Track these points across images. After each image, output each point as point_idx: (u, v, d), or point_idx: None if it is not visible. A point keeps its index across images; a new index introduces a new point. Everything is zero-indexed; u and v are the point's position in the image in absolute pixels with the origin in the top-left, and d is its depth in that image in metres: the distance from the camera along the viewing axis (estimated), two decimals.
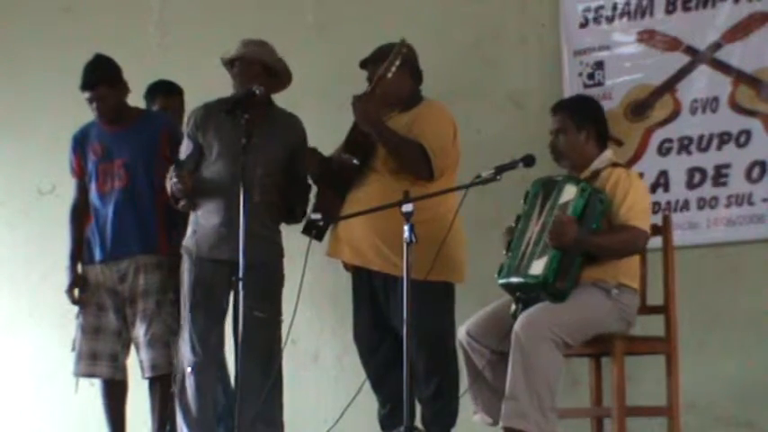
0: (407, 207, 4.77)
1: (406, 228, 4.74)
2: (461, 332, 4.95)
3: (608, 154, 5.03)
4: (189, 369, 5.44)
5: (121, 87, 5.73)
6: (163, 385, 5.65)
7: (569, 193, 4.84)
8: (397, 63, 5.24)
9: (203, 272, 5.44)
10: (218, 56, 6.71)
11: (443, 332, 5.28)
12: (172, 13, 7.04)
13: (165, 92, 6.19)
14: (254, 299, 5.26)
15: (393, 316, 5.25)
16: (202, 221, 5.48)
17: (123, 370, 5.74)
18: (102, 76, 5.67)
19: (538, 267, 4.77)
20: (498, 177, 4.88)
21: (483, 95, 6.15)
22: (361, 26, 6.41)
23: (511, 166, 4.92)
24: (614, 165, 4.98)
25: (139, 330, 5.62)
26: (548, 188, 4.93)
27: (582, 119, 5.03)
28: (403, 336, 5.10)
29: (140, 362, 5.65)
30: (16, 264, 7.22)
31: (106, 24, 7.05)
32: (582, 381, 5.48)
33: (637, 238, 4.83)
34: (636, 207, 4.83)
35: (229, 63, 5.56)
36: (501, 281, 4.90)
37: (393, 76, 5.27)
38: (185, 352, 5.45)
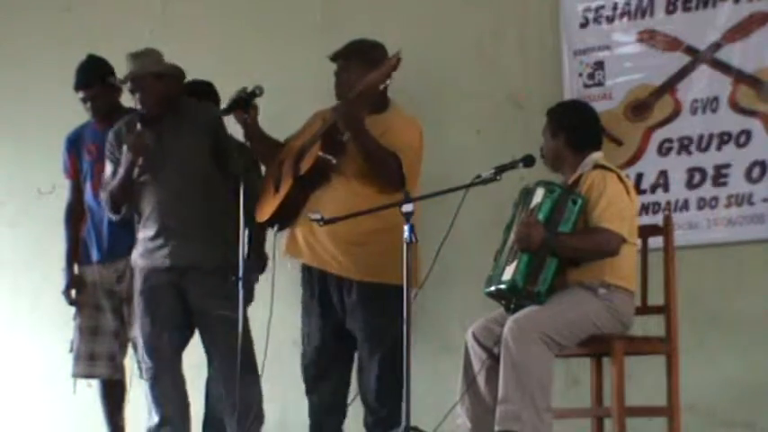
0: (407, 207, 4.78)
1: (406, 228, 4.76)
2: (468, 334, 4.96)
3: (593, 157, 5.01)
4: (145, 377, 5.47)
5: (115, 87, 5.74)
6: None
7: (538, 195, 4.86)
8: (391, 77, 5.22)
9: (148, 283, 5.45)
10: (220, 55, 6.76)
11: (396, 337, 5.28)
12: (173, 13, 7.03)
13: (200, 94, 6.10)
14: (215, 299, 5.29)
15: (350, 319, 5.26)
16: (141, 234, 5.50)
17: (121, 370, 5.75)
18: (95, 76, 5.70)
19: (508, 273, 4.80)
20: (498, 177, 4.89)
21: (483, 95, 6.15)
22: (365, 26, 6.40)
23: (511, 166, 4.93)
24: (598, 167, 4.97)
25: (137, 330, 5.62)
26: (525, 195, 4.98)
27: (556, 125, 5.05)
28: (359, 338, 5.23)
29: (138, 362, 5.65)
30: (17, 264, 7.22)
31: (107, 24, 7.05)
32: (582, 381, 5.48)
33: (607, 240, 4.80)
34: (609, 209, 4.82)
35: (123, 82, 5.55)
36: (484, 291, 4.94)
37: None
38: (142, 362, 5.51)
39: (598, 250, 4.82)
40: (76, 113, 5.97)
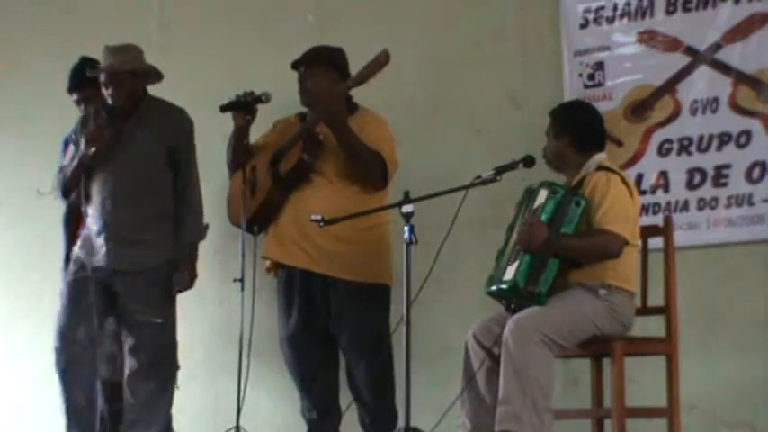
0: (407, 207, 4.78)
1: (406, 228, 4.76)
2: (468, 334, 4.96)
3: (597, 158, 5.01)
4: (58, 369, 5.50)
5: None
6: None
7: (541, 196, 4.86)
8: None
9: (79, 274, 5.43)
10: (218, 56, 6.77)
11: (383, 335, 5.31)
12: (172, 13, 7.03)
13: None
14: (142, 304, 5.31)
15: (335, 319, 5.26)
16: (87, 230, 5.47)
17: (121, 370, 5.73)
18: (87, 78, 5.68)
19: (509, 273, 4.80)
20: (498, 178, 4.89)
21: (483, 96, 6.15)
22: (361, 26, 6.41)
23: (511, 166, 4.93)
24: (601, 168, 4.96)
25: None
26: (528, 196, 4.97)
27: (561, 126, 5.05)
28: (345, 338, 5.28)
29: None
30: (16, 264, 7.21)
31: (106, 24, 7.04)
32: (582, 381, 5.48)
33: (610, 242, 4.80)
34: (612, 211, 4.82)
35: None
36: (486, 291, 4.95)
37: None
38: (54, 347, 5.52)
39: (601, 252, 4.82)
40: (76, 113, 5.97)
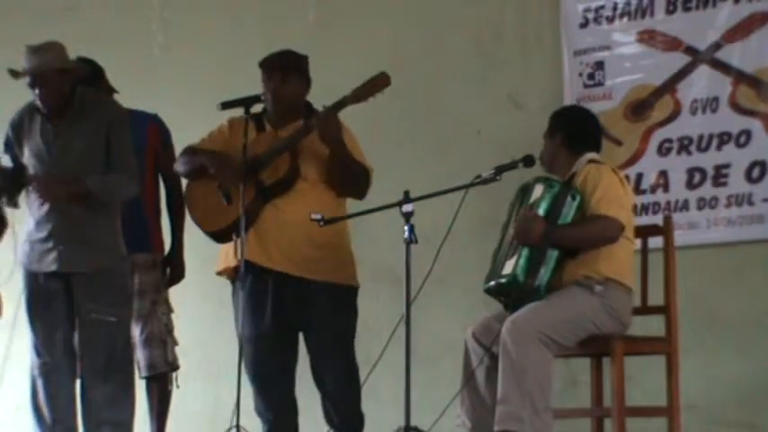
0: (407, 207, 4.78)
1: (406, 228, 4.76)
2: (468, 334, 4.96)
3: (587, 156, 5.00)
4: (37, 374, 5.38)
5: (104, 89, 5.70)
6: (160, 384, 5.66)
7: (537, 191, 4.86)
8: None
9: (37, 285, 5.34)
10: (219, 55, 6.77)
11: (352, 336, 5.30)
12: (173, 12, 7.04)
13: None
14: (98, 303, 5.24)
15: (306, 320, 5.23)
16: (32, 235, 5.36)
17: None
18: (81, 79, 5.64)
19: (508, 267, 4.80)
20: (498, 177, 4.89)
21: (483, 95, 6.16)
22: (362, 25, 6.42)
23: (511, 166, 4.93)
24: (590, 162, 4.97)
25: (135, 330, 5.61)
26: (522, 193, 4.98)
27: (554, 126, 5.06)
28: (318, 338, 5.21)
29: (137, 361, 5.65)
30: (16, 264, 7.20)
31: (108, 24, 7.05)
32: (582, 381, 5.49)
33: (607, 227, 4.79)
34: (606, 197, 4.80)
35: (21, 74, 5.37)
36: (484, 288, 4.95)
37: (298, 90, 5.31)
38: (32, 359, 5.42)
39: (599, 237, 4.81)
40: None
